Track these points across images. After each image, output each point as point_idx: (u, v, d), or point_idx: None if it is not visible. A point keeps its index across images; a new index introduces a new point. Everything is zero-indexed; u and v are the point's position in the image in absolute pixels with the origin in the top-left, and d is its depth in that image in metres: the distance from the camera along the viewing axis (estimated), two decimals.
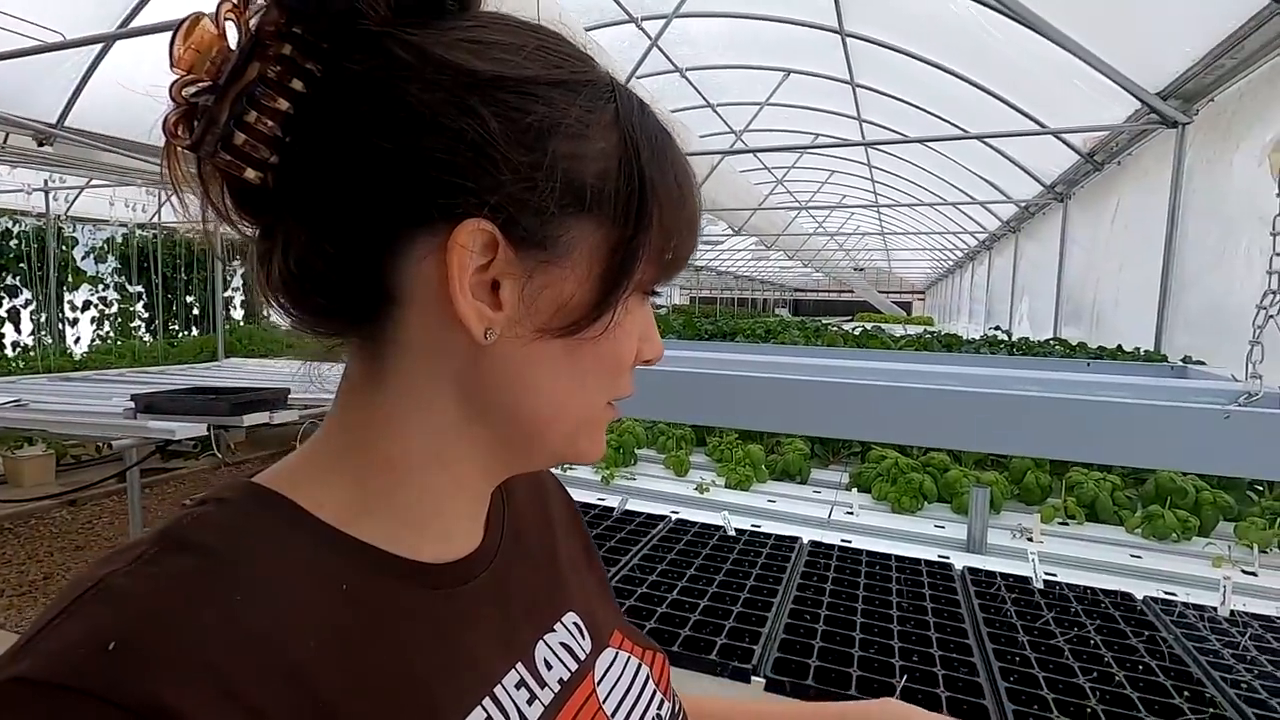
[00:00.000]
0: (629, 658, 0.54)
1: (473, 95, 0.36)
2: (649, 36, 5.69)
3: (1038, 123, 5.42)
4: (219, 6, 0.35)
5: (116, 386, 4.50)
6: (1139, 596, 1.54)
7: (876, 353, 2.21)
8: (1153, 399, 1.16)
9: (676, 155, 0.43)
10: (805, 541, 1.79)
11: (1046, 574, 1.72)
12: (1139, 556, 1.95)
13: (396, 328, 0.39)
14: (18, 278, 8.71)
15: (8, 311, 8.70)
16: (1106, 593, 1.54)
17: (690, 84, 7.74)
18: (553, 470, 0.65)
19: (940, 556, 1.80)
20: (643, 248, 0.40)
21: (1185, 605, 1.49)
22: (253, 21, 0.35)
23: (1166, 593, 1.62)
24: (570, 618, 0.51)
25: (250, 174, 0.36)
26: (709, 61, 7.44)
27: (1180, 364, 1.66)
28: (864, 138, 7.86)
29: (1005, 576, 1.61)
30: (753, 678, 1.14)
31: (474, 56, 0.36)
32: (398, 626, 0.38)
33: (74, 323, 9.54)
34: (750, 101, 8.14)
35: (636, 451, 2.85)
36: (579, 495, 2.17)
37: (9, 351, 8.49)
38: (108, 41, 4.69)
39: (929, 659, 1.21)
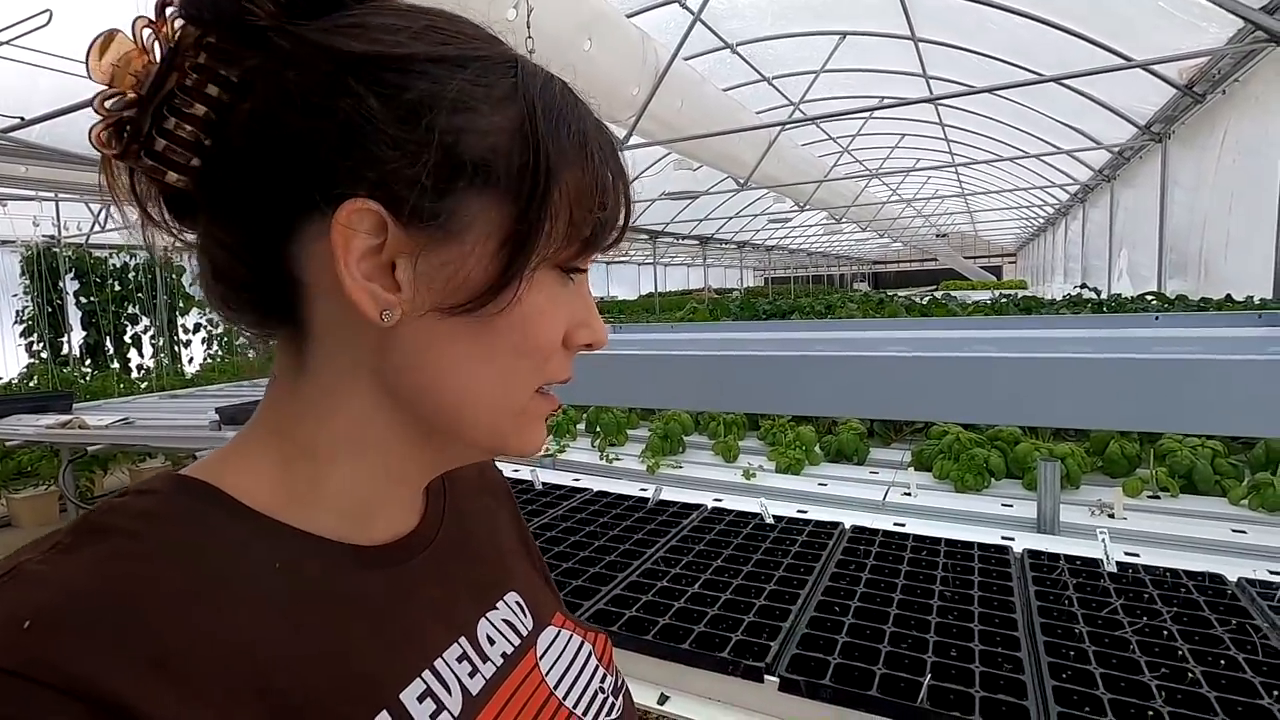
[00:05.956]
0: (570, 635, 0.55)
1: (348, 75, 0.35)
2: (691, 12, 5.54)
3: (1122, 56, 4.91)
4: (135, 21, 0.37)
5: (214, 401, 4.83)
6: (1232, 579, 1.35)
7: (895, 321, 2.06)
8: (1228, 353, 1.00)
9: (588, 125, 0.41)
10: (847, 527, 1.68)
11: (1127, 554, 1.55)
12: (1243, 532, 1.73)
13: (308, 317, 0.40)
14: (137, 306, 9.55)
15: (131, 338, 9.56)
16: (1191, 575, 1.36)
17: (742, 58, 7.50)
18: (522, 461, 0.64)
19: (1004, 538, 1.65)
20: (541, 221, 0.39)
21: None
22: (174, 33, 0.36)
23: (1272, 572, 1.41)
24: (512, 596, 0.52)
25: (171, 177, 0.37)
26: (759, 34, 7.18)
27: (1269, 308, 1.44)
28: (931, 94, 7.39)
29: (1071, 559, 1.46)
30: (766, 677, 1.07)
31: (351, 39, 0.36)
32: (332, 603, 0.39)
33: (187, 344, 10.36)
34: (806, 71, 7.80)
35: (685, 439, 2.79)
36: (618, 487, 2.14)
37: (134, 374, 9.32)
38: None
39: (968, 655, 1.10)
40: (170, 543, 0.35)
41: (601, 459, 2.68)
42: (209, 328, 10.68)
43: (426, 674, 0.41)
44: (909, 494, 2.10)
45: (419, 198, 0.36)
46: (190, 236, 0.41)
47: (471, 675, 0.44)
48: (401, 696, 0.39)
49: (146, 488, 0.38)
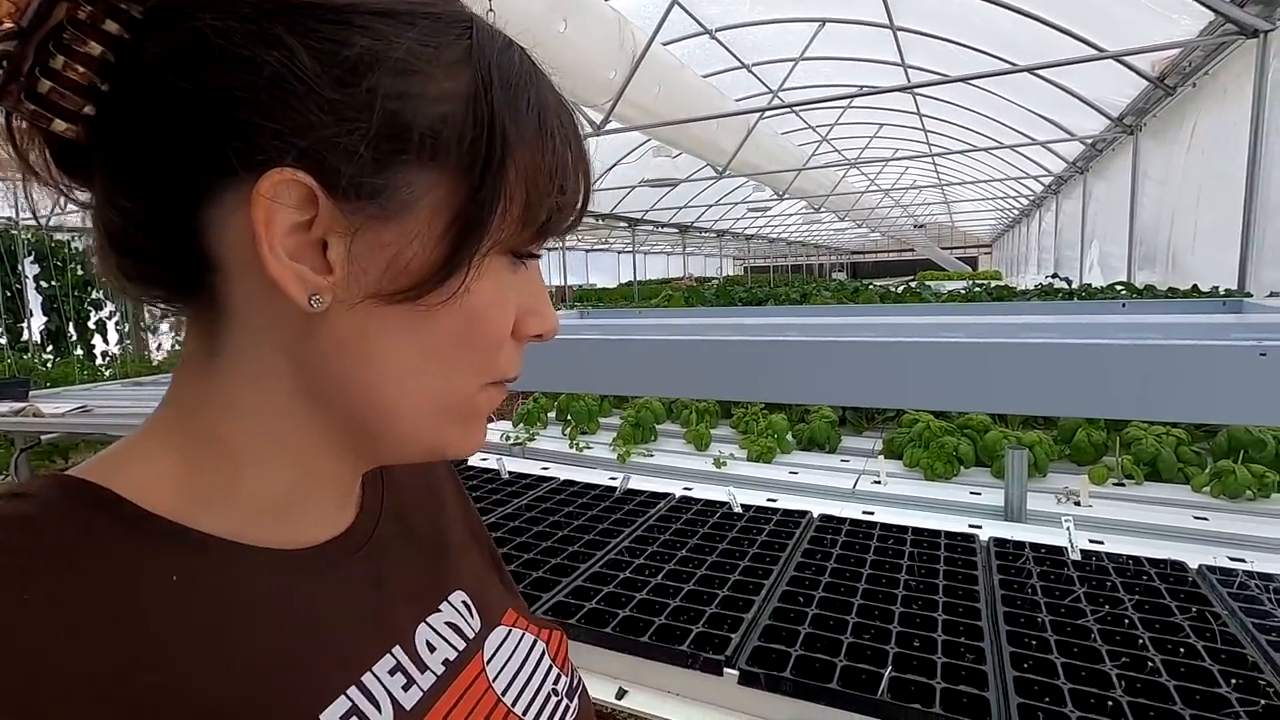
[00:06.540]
0: (523, 634, 0.51)
1: (277, 23, 0.31)
2: None
3: (1095, 47, 4.94)
4: None
5: None
6: (1193, 565, 1.35)
7: (865, 308, 2.05)
8: (1193, 339, 0.99)
9: (548, 99, 0.37)
10: (815, 515, 1.67)
11: (1091, 541, 1.55)
12: (1205, 519, 1.74)
13: (222, 296, 0.35)
14: (101, 292, 9.28)
15: (95, 324, 9.29)
16: (1153, 562, 1.36)
17: (721, 44, 7.44)
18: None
19: (971, 526, 1.65)
20: (495, 201, 0.35)
21: (1248, 575, 1.30)
22: None
23: (1233, 559, 1.42)
24: (458, 596, 0.49)
25: (58, 125, 0.32)
26: (738, 19, 7.12)
27: (1233, 297, 1.44)
28: (910, 83, 7.39)
29: (1037, 547, 1.45)
30: (726, 670, 1.05)
31: None
32: (240, 617, 0.35)
33: (154, 331, 10.10)
34: (785, 58, 7.77)
35: (657, 427, 2.76)
36: (587, 476, 2.11)
37: (99, 361, 9.07)
38: None
39: (931, 645, 1.08)
40: (45, 557, 0.31)
41: (572, 447, 2.65)
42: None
43: (353, 690, 0.37)
44: (879, 482, 2.10)
45: (356, 170, 0.32)
46: (83, 196, 0.36)
47: (406, 688, 0.40)
48: (322, 716, 0.36)
49: (22, 490, 0.33)
